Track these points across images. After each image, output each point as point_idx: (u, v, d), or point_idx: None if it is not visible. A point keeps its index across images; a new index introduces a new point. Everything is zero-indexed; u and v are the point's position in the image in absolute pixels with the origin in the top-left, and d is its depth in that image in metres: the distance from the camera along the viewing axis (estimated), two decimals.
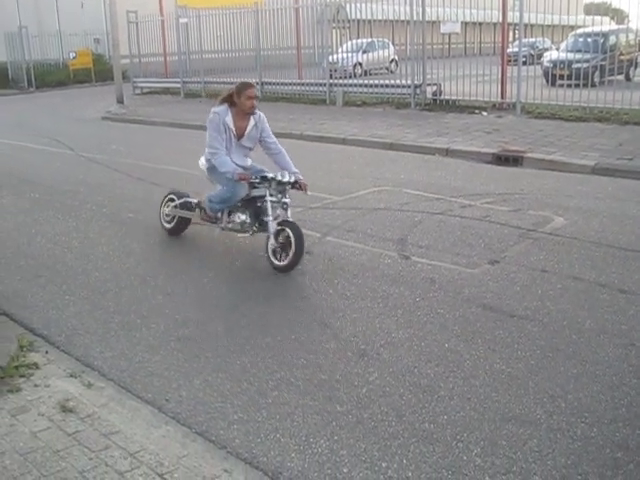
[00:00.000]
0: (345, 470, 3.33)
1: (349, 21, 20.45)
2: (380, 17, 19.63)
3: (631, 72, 18.94)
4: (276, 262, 6.03)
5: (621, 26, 20.58)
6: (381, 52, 24.92)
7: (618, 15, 23.07)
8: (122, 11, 23.07)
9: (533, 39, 24.06)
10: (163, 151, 13.03)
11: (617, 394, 3.94)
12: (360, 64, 22.80)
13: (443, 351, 4.49)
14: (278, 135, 13.35)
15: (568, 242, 6.66)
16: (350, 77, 20.08)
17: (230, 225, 6.60)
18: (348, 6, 19.74)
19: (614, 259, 6.16)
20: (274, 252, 6.05)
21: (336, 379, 4.17)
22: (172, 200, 7.15)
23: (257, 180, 6.22)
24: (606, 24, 19.84)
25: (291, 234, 5.94)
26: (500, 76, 16.36)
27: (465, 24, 21.37)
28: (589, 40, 18.16)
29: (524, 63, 16.02)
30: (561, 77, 17.10)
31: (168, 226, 7.24)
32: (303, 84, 20.08)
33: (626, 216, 7.50)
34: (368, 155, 11.81)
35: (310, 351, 4.54)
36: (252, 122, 6.48)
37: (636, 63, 19.10)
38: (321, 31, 20.06)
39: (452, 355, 4.43)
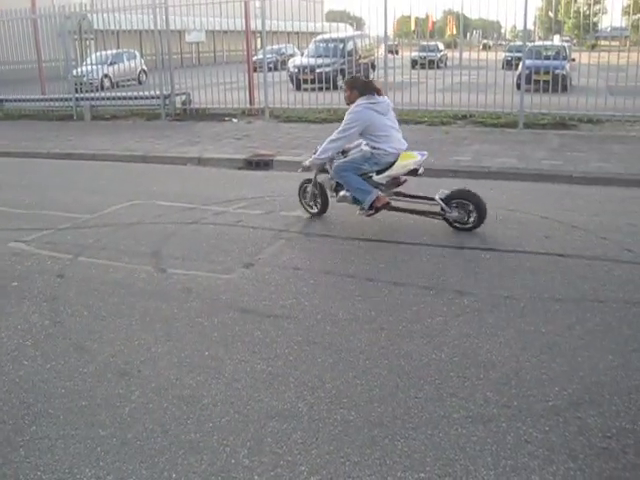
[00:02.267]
0: None
1: (93, 32, 19.79)
2: (126, 27, 19.21)
3: (370, 74, 20.16)
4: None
5: (357, 32, 21.84)
6: (129, 63, 24.49)
7: (357, 22, 24.47)
8: None
9: (278, 46, 24.85)
10: None
11: (370, 376, 4.17)
12: (107, 76, 22.20)
13: (204, 359, 4.48)
14: (21, 155, 12.84)
15: (318, 239, 6.95)
16: (97, 90, 19.46)
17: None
18: (91, 16, 19.07)
19: (361, 250, 6.54)
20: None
21: (97, 403, 4.01)
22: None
23: None
24: (344, 30, 20.98)
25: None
26: (248, 83, 16.72)
27: (212, 32, 21.51)
28: (330, 45, 19.08)
29: (270, 69, 16.50)
30: (306, 81, 17.84)
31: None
32: (47, 100, 19.07)
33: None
34: (119, 169, 11.51)
35: (67, 379, 4.32)
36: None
37: (373, 65, 20.39)
38: (63, 43, 19.21)
39: (213, 362, 4.44)
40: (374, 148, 7.04)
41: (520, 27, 14.71)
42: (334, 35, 19.45)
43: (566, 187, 9.09)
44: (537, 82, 14.18)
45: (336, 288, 5.61)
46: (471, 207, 6.98)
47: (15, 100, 19.44)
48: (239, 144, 12.58)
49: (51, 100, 18.90)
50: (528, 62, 14.24)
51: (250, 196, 8.85)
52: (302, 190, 7.86)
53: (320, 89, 15.90)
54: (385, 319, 4.97)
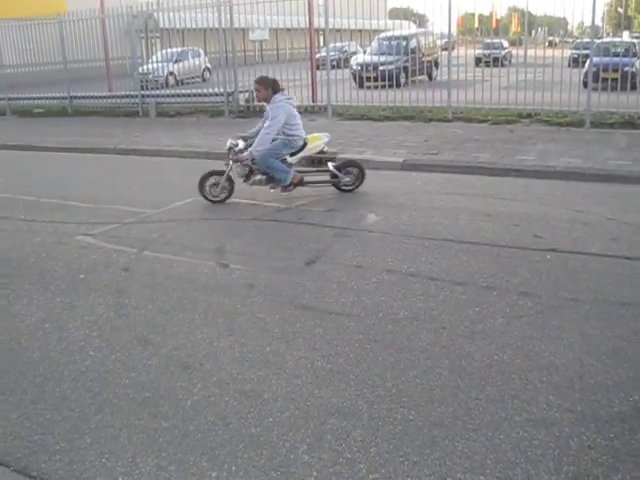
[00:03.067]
0: None
1: (159, 30, 20.15)
2: (190, 26, 19.48)
3: (433, 72, 20.01)
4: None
5: (421, 30, 21.68)
6: (193, 61, 24.81)
7: (420, 19, 24.31)
8: None
9: (341, 43, 24.86)
10: None
11: (431, 376, 4.14)
12: (172, 74, 22.55)
13: (265, 355, 4.52)
14: (89, 151, 13.15)
15: (380, 237, 6.94)
16: (163, 87, 19.80)
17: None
18: (157, 15, 19.43)
19: (423, 249, 6.49)
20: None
21: (160, 395, 4.09)
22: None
23: None
24: (407, 28, 20.86)
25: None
26: (310, 80, 16.77)
27: (275, 30, 21.65)
28: (393, 43, 18.99)
29: (333, 67, 16.52)
30: (369, 79, 17.81)
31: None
32: (114, 97, 19.55)
33: (433, 208, 7.93)
34: (184, 165, 11.69)
35: (132, 370, 4.41)
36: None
37: (436, 63, 20.22)
38: (130, 41, 19.62)
39: (274, 358, 4.47)
40: (290, 135, 8.52)
41: (588, 23, 14.39)
42: (397, 32, 19.35)
43: (633, 188, 8.87)
44: (605, 80, 13.85)
45: (398, 286, 5.59)
46: (355, 172, 8.83)
47: (84, 97, 19.95)
48: None
49: (118, 97, 19.35)
50: (596, 59, 13.94)
51: (312, 194, 8.88)
52: (206, 182, 8.58)
53: (383, 87, 15.85)
54: (447, 319, 4.93)
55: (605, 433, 3.52)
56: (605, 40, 18.29)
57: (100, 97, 19.68)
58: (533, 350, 4.44)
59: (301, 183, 8.66)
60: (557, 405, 3.79)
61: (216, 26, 17.24)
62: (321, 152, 8.81)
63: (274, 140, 8.43)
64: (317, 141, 8.79)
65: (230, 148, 8.49)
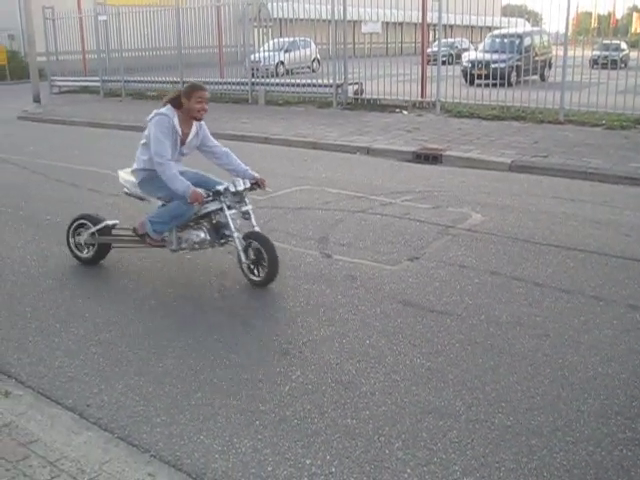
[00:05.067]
0: (269, 469, 3.34)
1: (271, 20, 20.43)
2: (302, 16, 19.65)
3: (545, 72, 19.49)
4: (254, 278, 5.63)
5: (535, 28, 21.15)
6: (303, 51, 24.99)
7: (533, 17, 23.75)
8: (37, 7, 22.48)
9: (452, 39, 24.54)
10: (82, 152, 12.74)
11: (532, 383, 4.07)
12: (282, 63, 22.82)
13: (364, 347, 4.55)
14: None
15: (485, 238, 6.84)
16: (272, 76, 20.07)
17: (185, 245, 5.82)
18: (270, 5, 19.71)
19: (529, 253, 6.36)
20: (248, 268, 5.63)
21: (259, 378, 4.18)
22: (84, 226, 6.16)
23: (210, 198, 5.56)
24: (521, 26, 20.39)
25: (261, 248, 5.50)
26: (420, 76, 16.64)
27: (386, 24, 21.60)
28: (506, 41, 18.61)
29: (444, 63, 16.35)
30: (479, 77, 17.51)
31: (84, 255, 6.25)
32: (225, 83, 19.94)
33: (541, 212, 7.75)
34: (291, 154, 11.85)
35: (232, 351, 4.53)
36: (194, 129, 5.76)
37: (550, 64, 19.68)
38: (243, 30, 19.98)
39: (373, 351, 4.50)
40: None
41: None
42: (511, 30, 18.93)
43: None
44: None
45: (502, 289, 5.50)
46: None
47: None
48: (409, 136, 12.58)
49: (229, 84, 19.72)
50: None
51: (418, 190, 8.84)
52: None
53: (494, 85, 15.57)
54: (551, 326, 4.82)
55: None
56: None
57: (212, 83, 20.10)
58: None
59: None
60: None
61: (328, 17, 17.33)
62: None
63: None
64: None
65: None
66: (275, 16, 19.88)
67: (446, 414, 3.76)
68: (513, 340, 4.62)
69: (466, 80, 18.87)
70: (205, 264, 6.19)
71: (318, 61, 24.77)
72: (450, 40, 23.81)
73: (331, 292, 5.48)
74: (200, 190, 5.45)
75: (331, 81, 17.31)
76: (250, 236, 5.58)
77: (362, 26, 18.71)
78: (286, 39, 23.20)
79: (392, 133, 13.01)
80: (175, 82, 20.49)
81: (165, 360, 4.44)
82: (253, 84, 18.89)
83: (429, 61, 17.24)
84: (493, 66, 16.39)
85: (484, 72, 17.12)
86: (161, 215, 5.73)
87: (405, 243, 6.72)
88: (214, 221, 5.72)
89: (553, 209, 7.90)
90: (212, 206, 5.62)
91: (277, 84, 18.99)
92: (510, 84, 15.67)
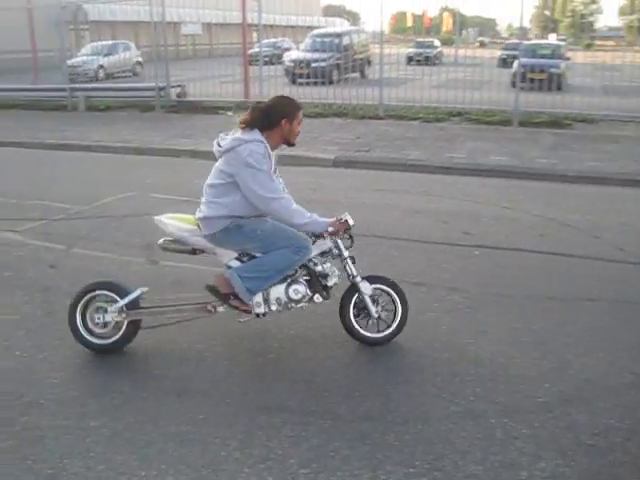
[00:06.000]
0: None
1: (88, 22, 19.75)
2: (121, 18, 19.18)
3: (365, 70, 20.19)
4: (374, 335, 4.55)
5: (354, 27, 21.86)
6: (124, 54, 24.39)
7: (352, 17, 24.50)
8: None
9: (275, 39, 24.86)
10: None
11: (349, 371, 4.23)
12: (103, 67, 22.15)
13: (195, 353, 4.50)
14: (15, 145, 12.77)
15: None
16: (92, 81, 19.42)
17: (275, 306, 4.41)
18: (88, 7, 19.02)
19: (354, 246, 6.50)
20: (373, 322, 4.52)
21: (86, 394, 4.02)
22: (95, 299, 4.53)
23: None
24: (340, 26, 21.01)
25: (395, 295, 4.56)
26: (243, 76, 16.70)
27: (208, 25, 21.50)
28: (326, 40, 19.09)
29: (267, 63, 16.49)
30: (302, 76, 17.83)
31: (102, 341, 4.52)
32: (41, 90, 18.99)
33: (365, 204, 7.99)
34: (114, 161, 11.49)
35: (60, 369, 4.31)
36: (274, 156, 4.50)
37: (369, 61, 20.40)
38: (59, 33, 19.13)
39: (208, 354, 4.46)
40: None
41: (516, 25, 14.74)
42: (330, 30, 19.44)
43: (560, 186, 9.13)
44: (532, 80, 14.22)
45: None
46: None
47: (8, 90, 19.31)
48: None
49: (44, 90, 18.80)
50: (523, 60, 14.28)
51: None
52: None
53: (315, 84, 15.90)
54: None
55: (530, 423, 3.62)
56: (532, 42, 18.79)
57: (26, 90, 19.10)
58: (460, 344, 4.52)
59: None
60: (483, 397, 3.88)
61: (147, 19, 16.98)
62: None
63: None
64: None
65: None
66: (93, 19, 19.23)
67: (280, 409, 3.79)
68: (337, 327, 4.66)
69: (289, 79, 19.16)
70: (20, 278, 5.84)
71: (140, 64, 24.27)
72: (272, 40, 24.09)
73: (160, 299, 5.34)
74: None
75: (153, 84, 16.98)
76: (375, 281, 4.58)
77: (182, 27, 18.53)
78: (106, 42, 22.54)
79: (217, 135, 12.91)
80: None
81: None
82: (72, 90, 18.11)
83: (251, 61, 17.33)
84: (314, 65, 16.76)
85: (306, 71, 17.46)
86: (259, 269, 4.33)
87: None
88: (318, 268, 4.48)
89: (376, 201, 8.18)
90: (318, 249, 4.48)
91: (97, 89, 18.44)
92: (332, 82, 16.06)
